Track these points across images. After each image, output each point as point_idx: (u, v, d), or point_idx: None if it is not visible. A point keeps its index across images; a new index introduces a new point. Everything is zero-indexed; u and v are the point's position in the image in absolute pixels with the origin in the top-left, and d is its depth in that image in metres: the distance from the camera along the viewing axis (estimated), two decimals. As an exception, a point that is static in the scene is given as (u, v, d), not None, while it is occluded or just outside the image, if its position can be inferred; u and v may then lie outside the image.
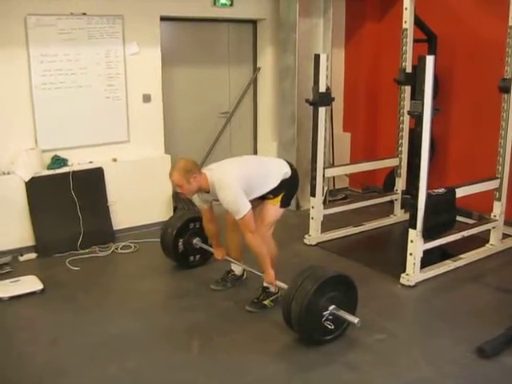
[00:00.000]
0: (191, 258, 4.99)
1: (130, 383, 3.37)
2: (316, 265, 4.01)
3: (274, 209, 4.18)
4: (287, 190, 4.21)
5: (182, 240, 4.89)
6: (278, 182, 4.15)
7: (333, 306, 3.62)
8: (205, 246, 4.88)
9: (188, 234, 4.90)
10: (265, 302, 4.20)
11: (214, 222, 4.43)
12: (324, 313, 3.60)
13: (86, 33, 5.48)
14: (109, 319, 4.13)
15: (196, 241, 4.91)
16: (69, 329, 3.99)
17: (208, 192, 4.06)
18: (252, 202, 4.04)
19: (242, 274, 4.66)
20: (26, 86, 5.30)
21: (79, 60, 5.49)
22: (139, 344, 3.78)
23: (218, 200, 4.07)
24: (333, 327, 3.64)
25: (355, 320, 3.59)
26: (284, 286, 3.94)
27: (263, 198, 4.18)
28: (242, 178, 3.96)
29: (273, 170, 4.19)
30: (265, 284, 4.21)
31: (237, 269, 4.63)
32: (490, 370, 3.47)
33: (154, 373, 3.45)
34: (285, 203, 4.23)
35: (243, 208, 3.89)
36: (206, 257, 5.01)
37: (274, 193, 4.15)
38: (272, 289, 4.22)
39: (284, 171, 4.20)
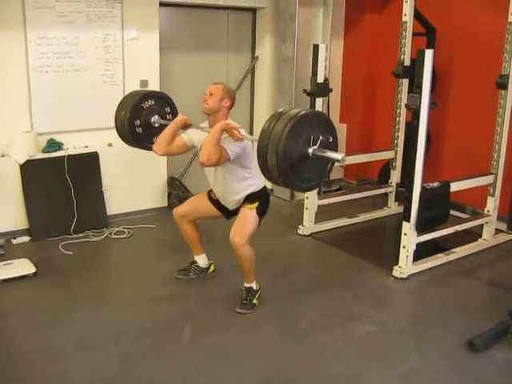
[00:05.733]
0: (154, 138, 4.34)
1: (118, 369, 3.37)
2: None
3: (251, 213, 4.04)
4: (262, 202, 4.11)
5: (138, 121, 4.32)
6: (260, 187, 4.13)
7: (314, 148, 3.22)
8: (164, 122, 4.35)
9: (144, 114, 4.33)
10: (254, 302, 4.17)
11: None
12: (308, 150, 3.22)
13: (85, 16, 5.42)
14: (100, 304, 4.14)
15: (154, 119, 4.37)
16: (60, 313, 3.99)
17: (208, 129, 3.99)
18: (228, 214, 4.24)
19: (208, 268, 4.62)
20: (22, 69, 5.24)
21: (77, 43, 5.44)
22: (130, 330, 3.78)
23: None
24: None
25: (339, 156, 3.22)
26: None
27: (238, 207, 4.13)
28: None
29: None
30: (246, 284, 4.19)
31: (200, 261, 4.59)
32: (480, 364, 3.49)
33: (144, 359, 3.45)
34: (260, 212, 4.10)
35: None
36: None
37: (250, 199, 4.08)
38: (254, 287, 4.21)
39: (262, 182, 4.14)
